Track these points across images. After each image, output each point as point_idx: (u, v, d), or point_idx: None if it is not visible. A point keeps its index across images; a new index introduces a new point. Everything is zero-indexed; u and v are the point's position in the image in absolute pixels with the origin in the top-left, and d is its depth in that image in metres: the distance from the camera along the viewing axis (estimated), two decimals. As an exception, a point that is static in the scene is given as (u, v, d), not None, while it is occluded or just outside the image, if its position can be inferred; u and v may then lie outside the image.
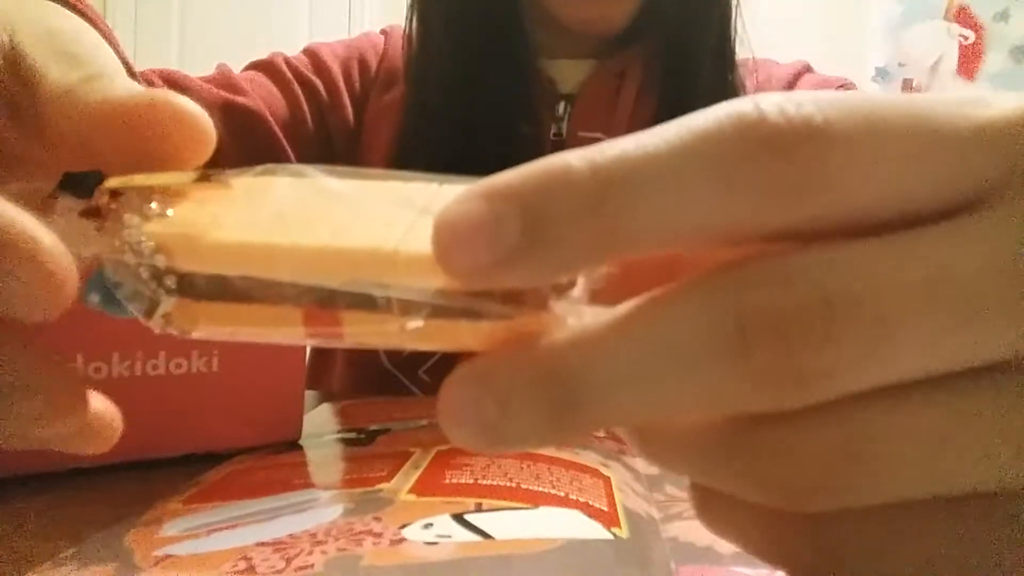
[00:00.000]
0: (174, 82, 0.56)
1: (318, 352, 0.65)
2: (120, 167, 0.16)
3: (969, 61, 1.86)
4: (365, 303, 0.14)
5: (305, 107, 0.61)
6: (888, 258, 0.13)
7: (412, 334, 0.14)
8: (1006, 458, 0.13)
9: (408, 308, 0.14)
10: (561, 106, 0.61)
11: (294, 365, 0.37)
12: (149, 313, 0.15)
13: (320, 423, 0.41)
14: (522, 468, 0.28)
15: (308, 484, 0.30)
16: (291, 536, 0.23)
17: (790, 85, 0.65)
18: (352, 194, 0.15)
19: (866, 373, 0.13)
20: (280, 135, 0.59)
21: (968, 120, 0.13)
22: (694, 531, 0.25)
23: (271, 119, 0.59)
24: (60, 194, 0.16)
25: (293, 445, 0.37)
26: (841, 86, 0.65)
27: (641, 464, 0.33)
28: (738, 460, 0.14)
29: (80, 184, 0.16)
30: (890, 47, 1.93)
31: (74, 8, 0.26)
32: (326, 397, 0.52)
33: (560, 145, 0.59)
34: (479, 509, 0.24)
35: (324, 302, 0.14)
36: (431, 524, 0.23)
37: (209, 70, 0.61)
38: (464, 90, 0.58)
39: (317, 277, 0.14)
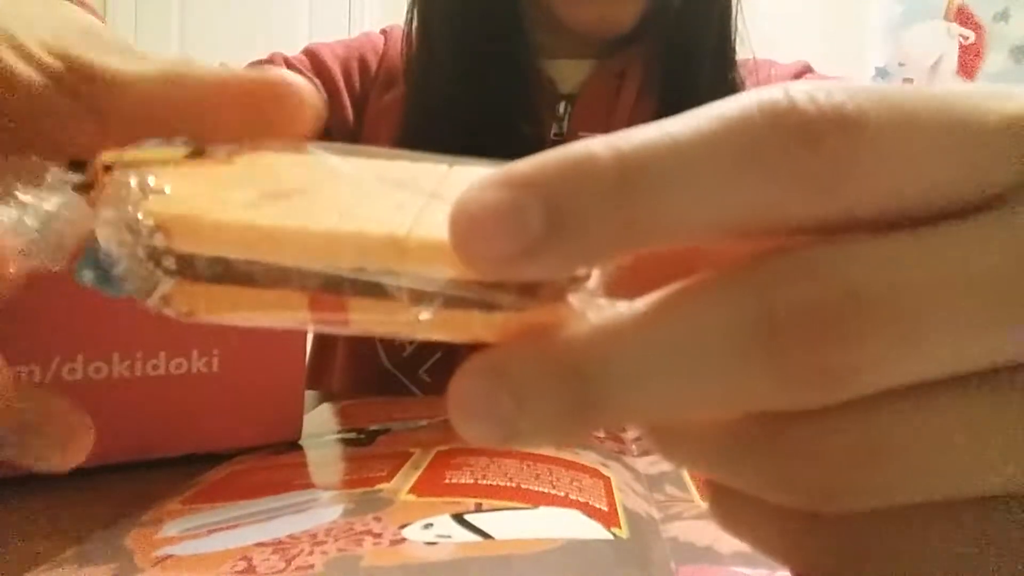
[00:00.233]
0: None
1: (318, 352, 0.65)
2: (233, 138, 0.17)
3: (969, 61, 1.85)
4: (373, 290, 0.13)
5: None
6: (916, 253, 0.13)
7: (422, 323, 0.13)
8: None
9: (418, 297, 0.13)
10: (561, 106, 0.61)
11: (294, 365, 0.37)
12: (146, 294, 0.14)
13: (320, 423, 0.41)
14: (522, 468, 0.28)
15: (308, 484, 0.30)
16: (291, 536, 0.23)
17: None
18: (358, 174, 0.15)
19: (893, 370, 0.13)
20: None
21: (996, 113, 0.13)
22: (694, 531, 0.25)
23: None
24: (50, 168, 0.15)
25: (293, 445, 0.37)
26: None
27: (641, 464, 0.33)
28: (759, 458, 0.14)
29: (82, 164, 0.16)
30: (890, 47, 1.92)
31: (81, 4, 0.26)
32: (326, 397, 0.52)
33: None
34: (479, 509, 0.24)
35: (330, 287, 0.14)
36: (431, 524, 0.23)
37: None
38: (464, 90, 0.58)
39: (324, 263, 0.13)
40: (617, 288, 0.14)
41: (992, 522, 0.14)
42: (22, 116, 0.20)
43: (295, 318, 0.14)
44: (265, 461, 0.34)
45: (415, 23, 0.61)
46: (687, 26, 0.59)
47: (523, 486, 0.27)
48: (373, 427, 0.39)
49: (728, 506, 0.16)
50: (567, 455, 0.30)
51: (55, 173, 0.15)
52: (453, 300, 0.13)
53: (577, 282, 0.13)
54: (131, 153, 0.15)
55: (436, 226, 0.12)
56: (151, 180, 0.15)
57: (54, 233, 0.16)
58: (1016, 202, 0.13)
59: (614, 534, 0.23)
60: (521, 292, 0.13)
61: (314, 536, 0.23)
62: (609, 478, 0.29)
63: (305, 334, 0.40)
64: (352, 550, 0.22)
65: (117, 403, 0.33)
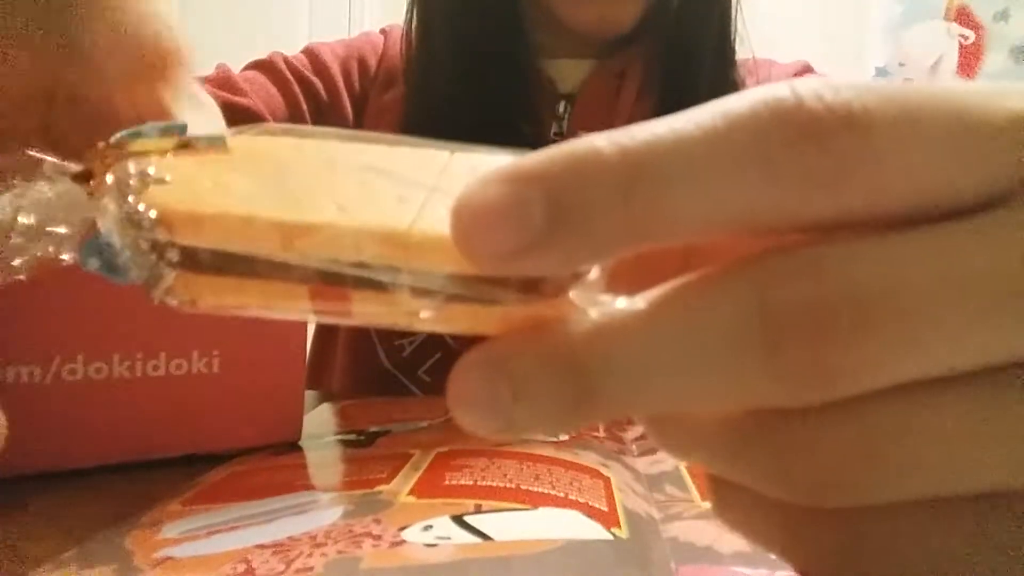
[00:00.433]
0: None
1: (318, 352, 0.65)
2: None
3: (969, 61, 1.85)
4: (375, 283, 0.13)
5: (304, 107, 0.61)
6: (916, 253, 0.13)
7: (423, 317, 0.13)
8: None
9: (420, 290, 0.13)
10: (561, 106, 0.61)
11: (294, 366, 0.37)
12: (150, 285, 0.14)
13: (320, 423, 0.41)
14: (521, 469, 0.28)
15: (308, 486, 0.30)
16: (291, 538, 0.23)
17: None
18: (360, 163, 0.15)
19: (891, 369, 0.13)
20: None
21: (1003, 111, 0.13)
22: (694, 531, 0.25)
23: (270, 119, 0.59)
24: (44, 159, 0.15)
25: (293, 446, 0.37)
26: None
27: (641, 464, 0.33)
28: (757, 452, 0.14)
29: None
30: (890, 47, 1.93)
31: None
32: (326, 397, 0.52)
33: None
34: (479, 510, 0.24)
35: (332, 280, 0.14)
36: (431, 526, 0.23)
37: (209, 70, 0.61)
38: (464, 90, 0.58)
39: (326, 257, 0.13)
40: (618, 283, 0.14)
41: (989, 519, 0.14)
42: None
43: (297, 309, 0.14)
44: (265, 462, 0.34)
45: (415, 23, 0.61)
46: (687, 26, 0.59)
47: (523, 487, 0.27)
48: (373, 428, 0.39)
49: (728, 500, 0.16)
50: (567, 455, 0.30)
51: (50, 163, 0.15)
52: (454, 294, 0.13)
53: (578, 277, 0.13)
54: (129, 143, 0.15)
55: (438, 220, 0.12)
56: (151, 170, 0.14)
57: (54, 223, 0.16)
58: (1018, 201, 0.13)
59: (614, 534, 0.23)
60: (523, 287, 0.13)
61: (314, 538, 0.23)
62: (609, 478, 0.29)
63: (305, 335, 0.40)
64: (352, 552, 0.22)
65: (117, 403, 0.33)
